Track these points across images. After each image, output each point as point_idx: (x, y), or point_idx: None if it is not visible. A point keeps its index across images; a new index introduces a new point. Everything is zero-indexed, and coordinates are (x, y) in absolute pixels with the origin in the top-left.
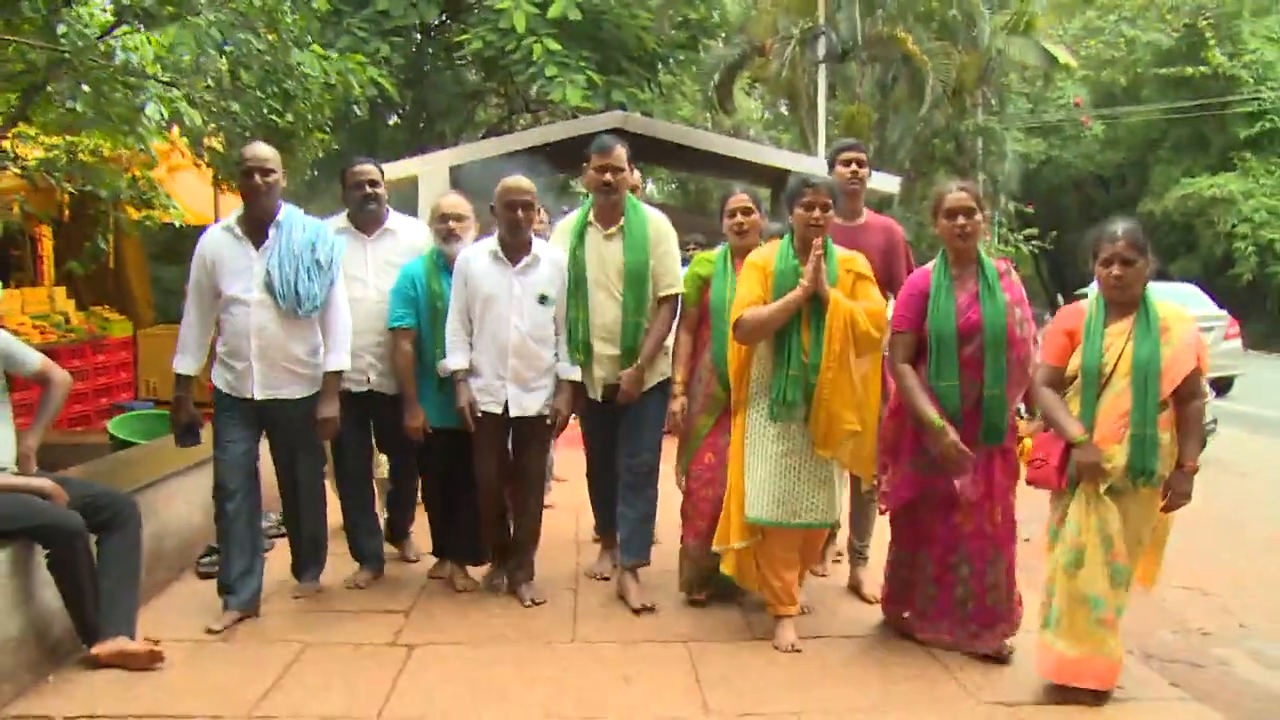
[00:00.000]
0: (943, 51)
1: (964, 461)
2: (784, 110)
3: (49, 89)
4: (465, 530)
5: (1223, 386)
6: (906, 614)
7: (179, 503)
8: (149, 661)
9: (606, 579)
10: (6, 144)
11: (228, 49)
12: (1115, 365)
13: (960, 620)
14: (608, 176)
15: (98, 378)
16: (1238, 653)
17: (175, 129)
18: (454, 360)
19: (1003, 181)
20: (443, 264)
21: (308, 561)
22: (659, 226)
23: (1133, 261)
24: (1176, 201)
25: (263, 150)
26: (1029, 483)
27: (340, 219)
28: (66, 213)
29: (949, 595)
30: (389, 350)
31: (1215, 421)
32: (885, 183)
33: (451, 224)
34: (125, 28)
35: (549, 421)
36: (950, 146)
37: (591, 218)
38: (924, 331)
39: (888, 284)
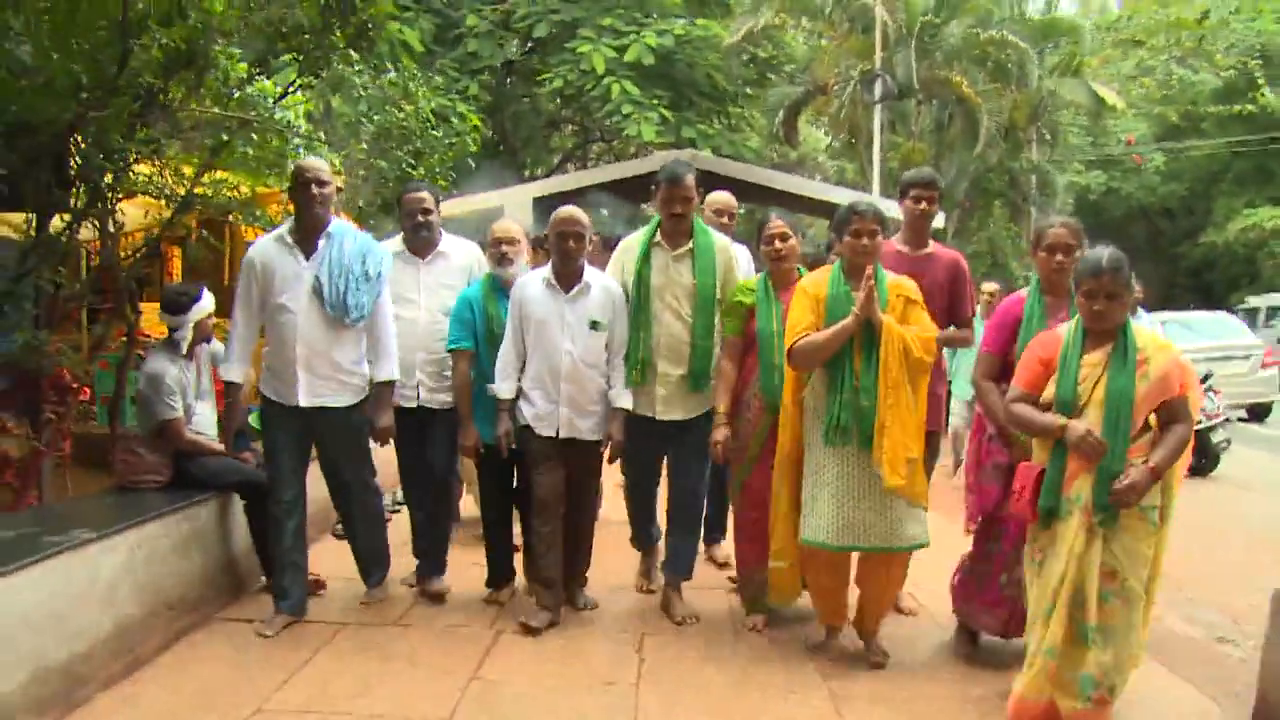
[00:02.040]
0: (995, 93)
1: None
2: (849, 142)
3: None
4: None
5: (1260, 413)
6: (978, 609)
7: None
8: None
9: (654, 591)
10: (201, 188)
11: (377, 118)
12: (1089, 396)
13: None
14: (677, 208)
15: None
16: (1173, 614)
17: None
18: (502, 388)
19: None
20: (497, 287)
21: (370, 567)
22: (727, 251)
23: (1116, 295)
24: (1238, 233)
25: (317, 164)
26: (1011, 512)
27: (396, 242)
28: (194, 235)
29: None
30: (438, 369)
31: (1229, 441)
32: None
33: (504, 248)
34: (292, 96)
35: (602, 448)
36: (1003, 182)
37: (658, 238)
38: (1010, 356)
39: (950, 313)
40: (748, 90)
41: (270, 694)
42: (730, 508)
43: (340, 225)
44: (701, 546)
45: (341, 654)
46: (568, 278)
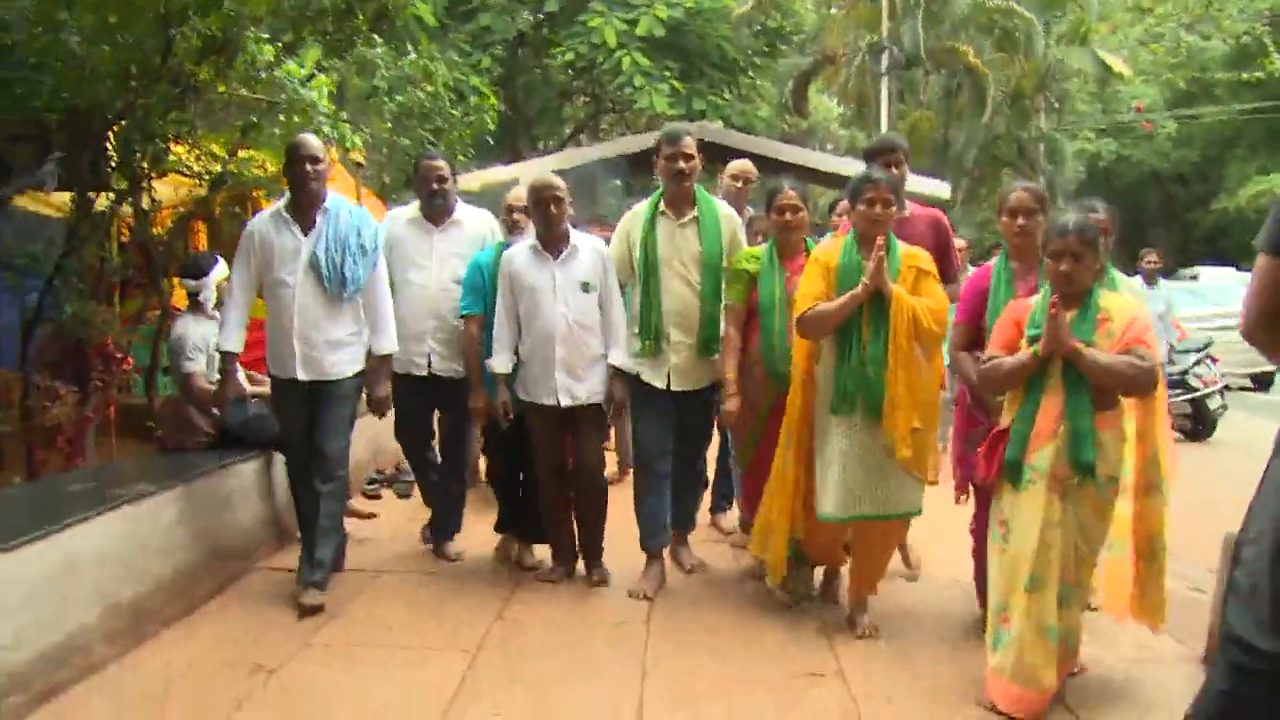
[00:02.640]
0: (1002, 62)
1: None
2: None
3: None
4: (531, 510)
5: (1265, 381)
6: None
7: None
8: (366, 517)
9: (650, 599)
10: (232, 165)
11: (398, 98)
12: (1052, 359)
13: None
14: (680, 164)
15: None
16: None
17: (332, 148)
18: (498, 361)
19: (1061, 184)
20: None
21: (313, 558)
22: (731, 219)
23: (1082, 256)
24: (1250, 198)
25: (313, 141)
26: (957, 489)
27: (412, 208)
28: (218, 210)
29: None
30: (449, 335)
31: (1225, 407)
32: (936, 188)
33: (516, 215)
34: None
35: (604, 408)
36: (1012, 150)
37: (663, 206)
38: (981, 324)
39: (941, 274)
40: (757, 61)
41: (315, 631)
42: (736, 475)
43: (336, 200)
44: (708, 515)
45: (379, 598)
46: (554, 242)
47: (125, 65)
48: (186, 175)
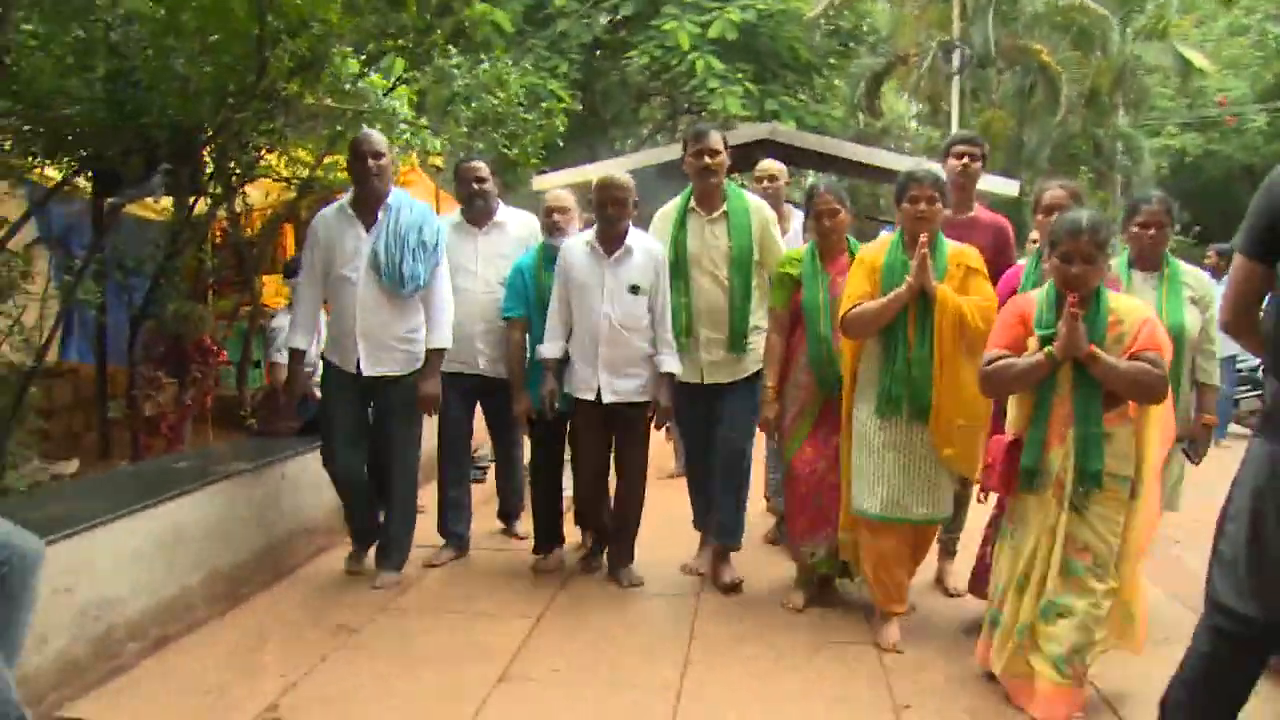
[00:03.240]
0: (1077, 60)
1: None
2: (933, 111)
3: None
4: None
5: None
6: None
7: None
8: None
9: (702, 574)
10: (319, 171)
11: (474, 105)
12: (1062, 364)
13: None
14: (706, 160)
15: None
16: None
17: (413, 153)
18: (548, 349)
19: (1138, 182)
20: (550, 256)
21: (391, 549)
22: (761, 212)
23: (1094, 259)
24: None
25: (375, 137)
26: (982, 489)
27: (455, 214)
28: (305, 213)
29: None
30: (497, 338)
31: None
32: (1005, 186)
33: (556, 217)
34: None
35: (648, 414)
36: (1087, 149)
37: (693, 204)
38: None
39: (996, 281)
40: (832, 61)
41: (393, 599)
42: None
43: (399, 196)
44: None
45: (451, 570)
46: (610, 241)
47: (224, 84)
48: (276, 180)
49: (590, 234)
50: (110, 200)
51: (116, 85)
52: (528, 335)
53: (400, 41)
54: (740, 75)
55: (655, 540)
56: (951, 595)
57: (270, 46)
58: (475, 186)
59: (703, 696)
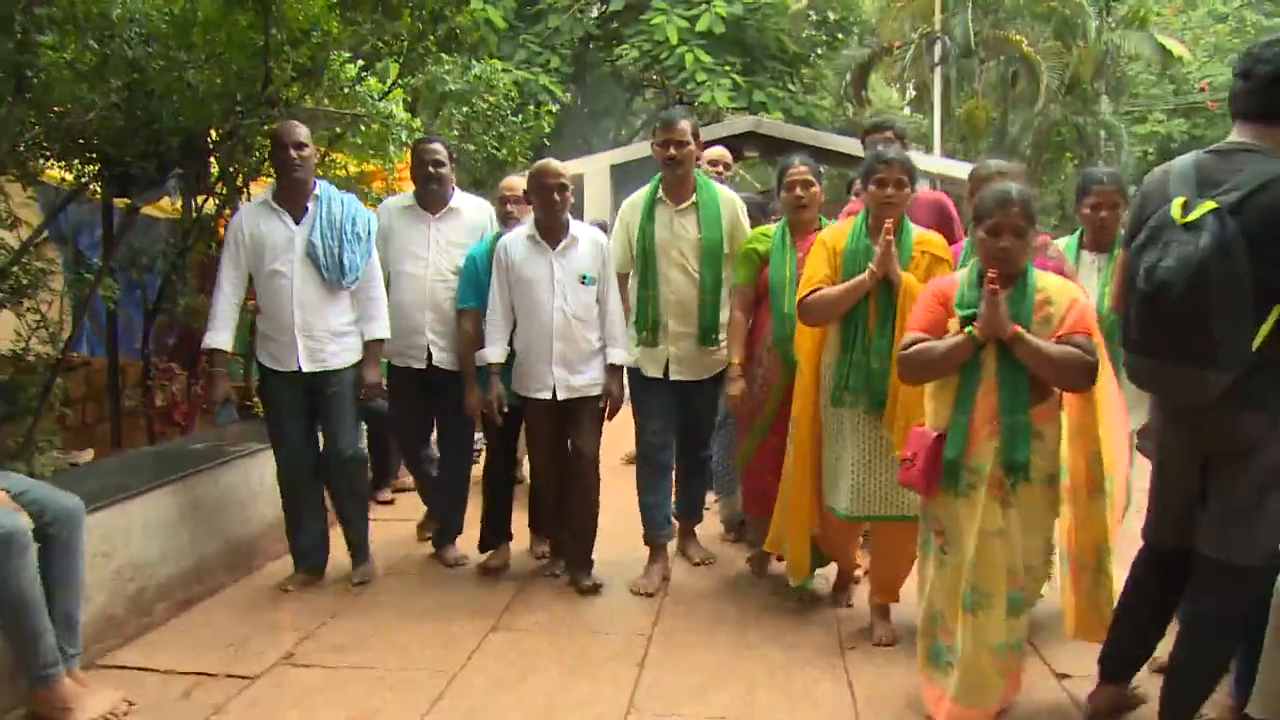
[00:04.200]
0: (1056, 49)
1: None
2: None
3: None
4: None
5: None
6: None
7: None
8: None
9: (653, 594)
10: (319, 170)
11: (464, 109)
12: (985, 347)
13: None
14: (672, 150)
15: None
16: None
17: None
18: (492, 353)
19: (1119, 168)
20: None
21: (356, 542)
22: (732, 203)
23: (1024, 232)
24: None
25: (297, 127)
26: (901, 483)
27: (406, 197)
28: None
29: None
30: (449, 328)
31: None
32: (959, 168)
33: (510, 206)
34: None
35: (600, 405)
36: (1071, 136)
37: (661, 194)
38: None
39: None
40: (819, 52)
41: (395, 564)
42: (719, 464)
43: (326, 188)
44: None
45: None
46: (553, 231)
47: (231, 92)
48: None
49: (528, 227)
50: (128, 201)
51: (132, 94)
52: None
53: (394, 48)
54: (728, 68)
55: (616, 532)
56: None
57: (274, 56)
58: (431, 170)
59: None
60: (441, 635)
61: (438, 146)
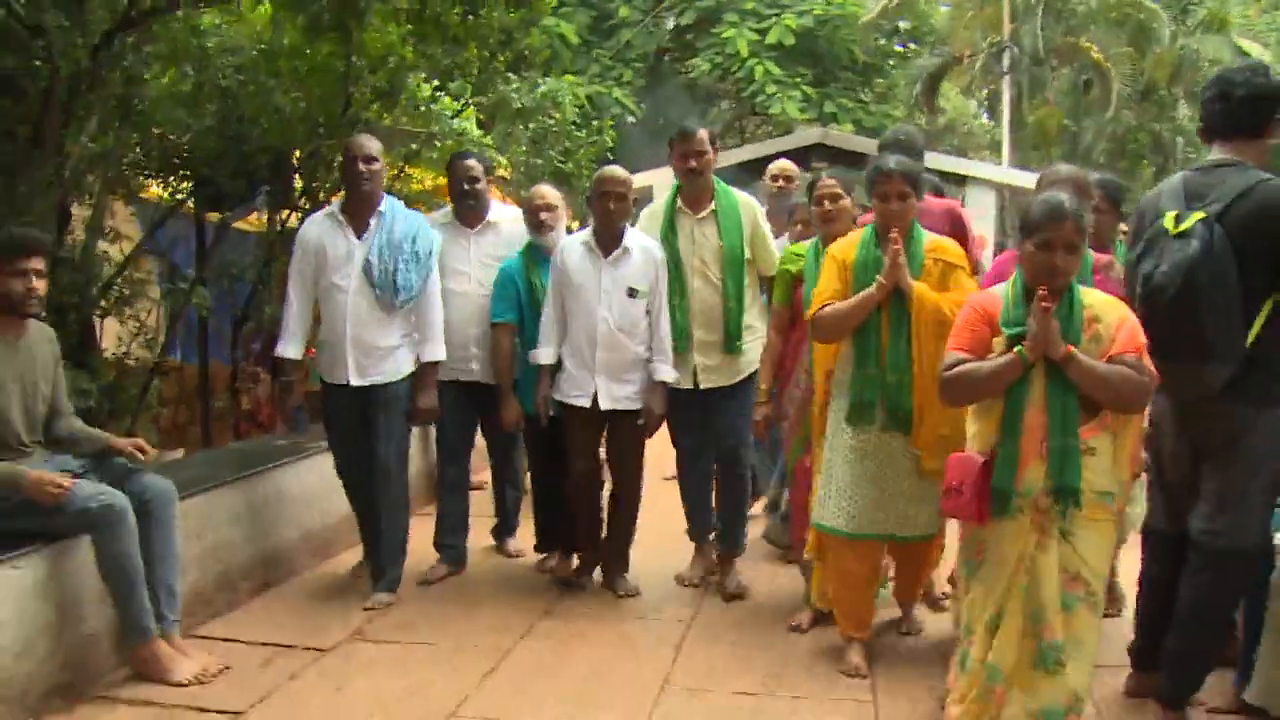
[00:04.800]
0: (1129, 56)
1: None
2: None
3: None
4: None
5: None
6: None
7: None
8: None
9: (697, 585)
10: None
11: (532, 125)
12: (1033, 366)
13: None
14: (691, 162)
15: None
16: None
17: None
18: (543, 353)
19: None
20: (537, 255)
21: (385, 565)
22: (751, 209)
23: (1076, 248)
24: None
25: (367, 140)
26: (943, 513)
27: (445, 212)
28: None
29: None
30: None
31: None
32: (1023, 178)
33: (542, 215)
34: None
35: (640, 420)
36: (1146, 143)
37: (680, 204)
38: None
39: None
40: (891, 62)
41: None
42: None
43: (392, 204)
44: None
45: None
46: (608, 240)
47: (314, 115)
48: None
49: (587, 234)
50: (220, 217)
51: (224, 118)
52: (518, 340)
53: (466, 71)
54: (798, 79)
55: (655, 548)
56: (939, 603)
57: (353, 82)
58: (467, 186)
59: None
60: (495, 619)
61: (473, 163)
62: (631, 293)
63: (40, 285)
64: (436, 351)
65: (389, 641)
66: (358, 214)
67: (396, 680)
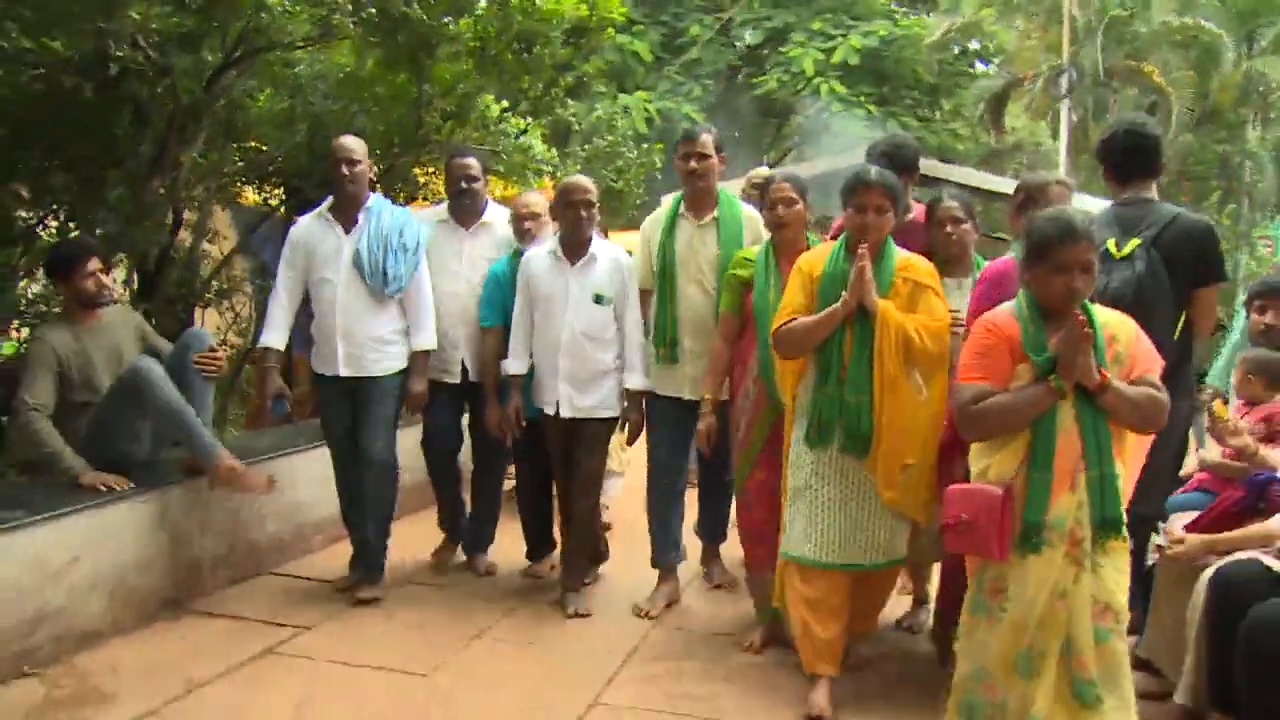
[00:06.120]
0: (1190, 79)
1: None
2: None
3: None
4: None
5: None
6: None
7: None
8: None
9: (654, 618)
10: None
11: (587, 147)
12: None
13: None
14: (693, 164)
15: None
16: None
17: (545, 180)
18: (513, 365)
19: (1258, 197)
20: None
21: (369, 561)
22: (754, 221)
23: (1092, 266)
24: None
25: (350, 143)
26: (949, 549)
27: (441, 210)
28: None
29: None
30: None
31: None
32: (1095, 205)
33: (526, 223)
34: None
35: (609, 429)
36: (1213, 164)
37: (683, 209)
38: None
39: None
40: (959, 82)
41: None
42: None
43: (378, 200)
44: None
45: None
46: (574, 248)
47: (390, 135)
48: (425, 200)
49: (553, 242)
50: None
51: (313, 136)
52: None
53: (530, 94)
54: (863, 98)
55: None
56: (910, 629)
57: (425, 106)
58: (464, 185)
59: None
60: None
61: (471, 161)
62: (598, 299)
63: (106, 280)
64: (427, 340)
65: (433, 585)
66: (345, 212)
67: (440, 613)
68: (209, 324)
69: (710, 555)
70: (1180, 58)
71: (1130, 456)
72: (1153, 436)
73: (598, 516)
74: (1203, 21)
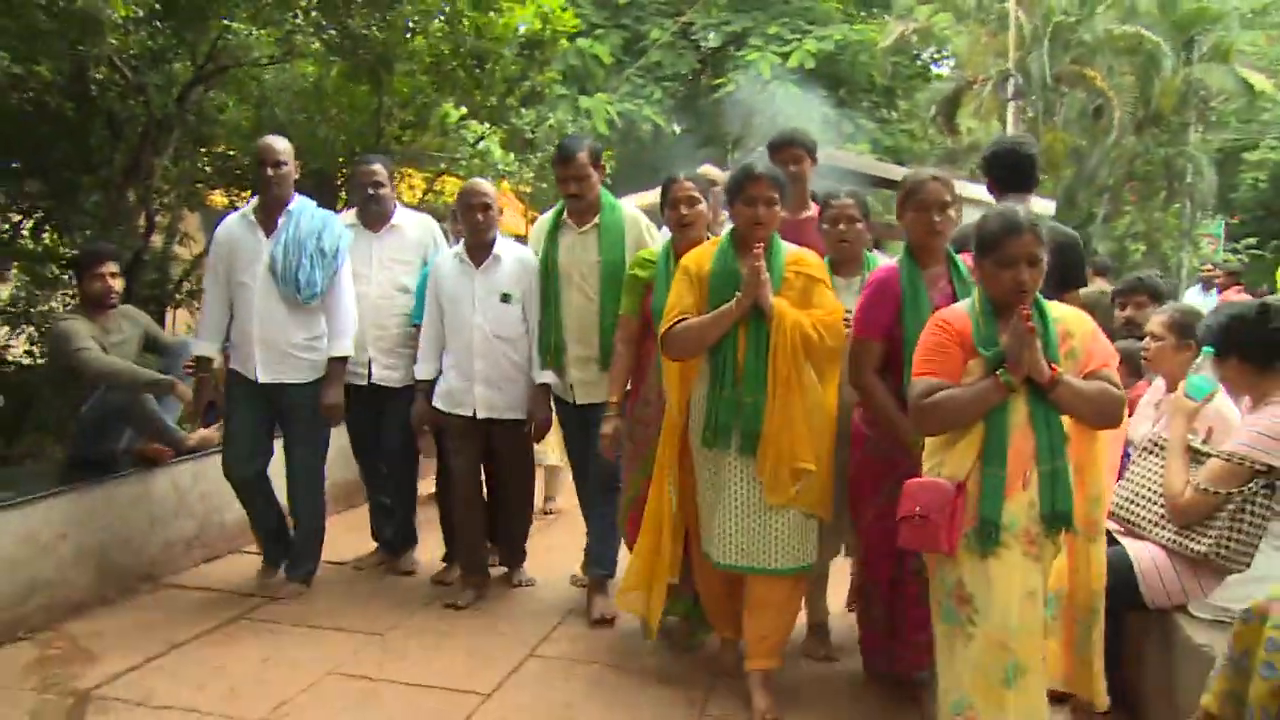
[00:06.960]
0: (1131, 85)
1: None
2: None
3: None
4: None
5: None
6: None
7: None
8: None
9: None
10: (429, 196)
11: (539, 154)
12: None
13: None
14: (571, 186)
15: None
16: None
17: (504, 181)
18: (421, 369)
19: (1199, 198)
20: None
21: (298, 560)
22: (636, 224)
23: (1039, 260)
24: None
25: (275, 143)
26: (903, 545)
27: (350, 214)
28: None
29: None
30: (390, 345)
31: None
32: (1044, 207)
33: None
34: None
35: (525, 428)
36: (1157, 168)
37: (565, 217)
38: (898, 337)
39: None
40: (913, 85)
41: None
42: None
43: (301, 203)
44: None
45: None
46: (478, 250)
47: (352, 143)
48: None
49: (460, 246)
50: None
51: None
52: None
53: (485, 103)
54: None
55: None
56: (818, 659)
57: (385, 116)
58: (371, 190)
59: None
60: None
61: (377, 167)
62: (504, 298)
63: (115, 284)
64: (343, 347)
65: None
66: (269, 214)
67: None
68: (179, 323)
69: (595, 589)
70: (1124, 64)
71: (1102, 454)
72: (1125, 434)
73: (530, 504)
74: (1144, 30)
